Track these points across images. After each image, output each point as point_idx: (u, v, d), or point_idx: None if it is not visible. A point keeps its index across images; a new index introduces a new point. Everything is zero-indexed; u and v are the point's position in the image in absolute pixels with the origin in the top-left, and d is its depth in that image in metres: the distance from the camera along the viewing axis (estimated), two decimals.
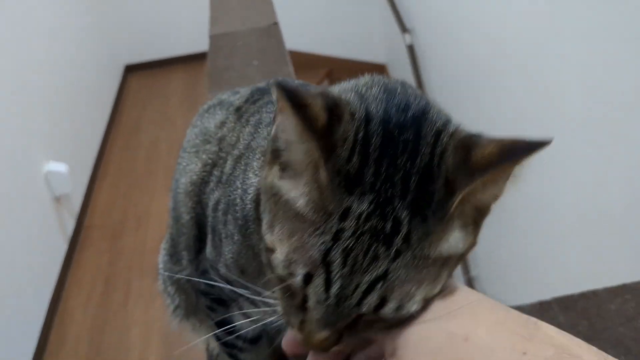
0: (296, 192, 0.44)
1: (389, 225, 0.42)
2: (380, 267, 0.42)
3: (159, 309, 3.01)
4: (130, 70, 5.30)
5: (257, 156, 0.66)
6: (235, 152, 0.71)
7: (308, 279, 0.44)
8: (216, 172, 0.74)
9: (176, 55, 5.29)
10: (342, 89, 0.49)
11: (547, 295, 0.93)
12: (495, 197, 0.45)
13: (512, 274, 2.39)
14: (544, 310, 0.90)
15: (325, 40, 4.48)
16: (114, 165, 4.23)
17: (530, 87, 2.07)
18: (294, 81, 0.80)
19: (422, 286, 0.43)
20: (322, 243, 0.42)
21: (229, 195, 0.67)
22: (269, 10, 2.06)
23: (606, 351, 0.83)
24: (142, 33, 5.14)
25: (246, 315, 0.75)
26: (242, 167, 0.67)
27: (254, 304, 0.69)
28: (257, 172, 0.63)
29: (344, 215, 0.42)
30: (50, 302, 3.04)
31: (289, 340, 0.52)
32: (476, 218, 0.46)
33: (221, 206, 0.69)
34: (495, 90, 2.43)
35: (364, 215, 0.42)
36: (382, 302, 0.43)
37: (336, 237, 0.42)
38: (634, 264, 1.48)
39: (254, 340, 0.81)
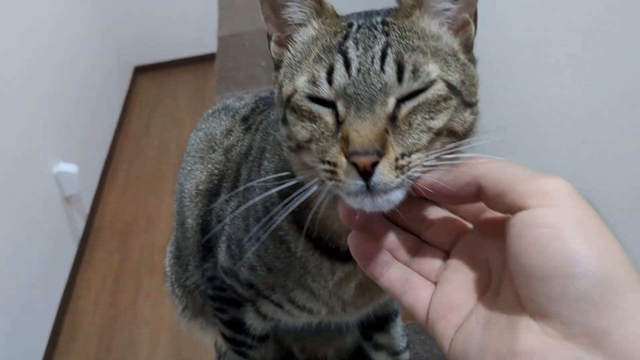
0: (310, 31, 0.57)
1: (372, 21, 0.53)
2: (381, 40, 0.50)
3: (168, 307, 3.03)
4: (140, 71, 5.35)
5: (267, 148, 0.67)
6: (250, 159, 0.73)
7: (330, 72, 0.50)
8: (226, 184, 0.75)
9: (185, 57, 5.32)
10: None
11: None
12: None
13: None
14: None
15: None
16: (123, 166, 4.27)
17: (539, 87, 2.08)
18: None
19: (429, 57, 0.50)
20: (333, 45, 0.52)
21: (249, 198, 0.68)
22: None
23: None
24: (151, 35, 5.18)
25: (261, 315, 0.76)
26: (256, 169, 0.68)
27: (277, 304, 0.70)
28: (269, 157, 0.65)
29: (350, 26, 0.54)
30: (61, 301, 3.07)
31: (344, 211, 0.51)
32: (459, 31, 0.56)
33: (240, 213, 0.70)
34: (503, 92, 2.44)
35: (360, 23, 0.54)
36: (400, 68, 0.48)
37: (344, 38, 0.52)
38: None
39: (263, 337, 0.82)
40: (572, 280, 0.37)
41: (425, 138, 0.48)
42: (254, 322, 0.78)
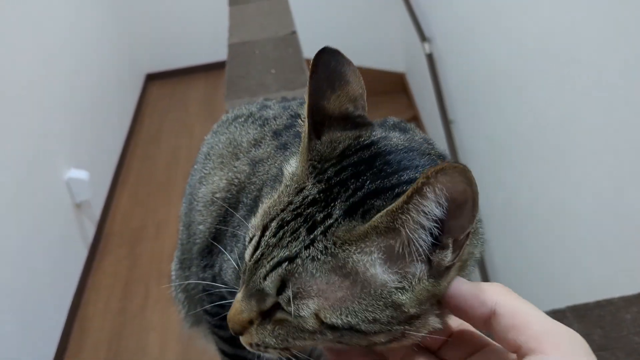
0: (292, 163, 0.53)
1: (321, 216, 0.46)
2: (294, 248, 0.46)
3: (176, 314, 3.04)
4: (151, 79, 5.37)
5: None
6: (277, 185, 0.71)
7: (251, 239, 0.50)
8: (245, 200, 0.73)
9: (196, 65, 5.34)
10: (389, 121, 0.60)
11: (562, 304, 0.92)
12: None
13: (526, 282, 2.37)
14: (557, 319, 0.90)
15: (344, 49, 4.44)
16: (133, 173, 4.28)
17: (550, 94, 2.07)
18: None
19: (320, 292, 0.45)
20: (275, 211, 0.49)
21: None
22: (288, 19, 2.07)
23: (620, 359, 0.82)
24: (162, 42, 5.21)
25: None
26: None
27: None
28: None
29: (298, 192, 0.48)
30: (71, 306, 3.08)
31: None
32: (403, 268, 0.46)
33: None
34: (515, 98, 2.43)
35: (309, 198, 0.47)
36: (282, 285, 0.46)
37: (283, 209, 0.48)
38: None
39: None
40: None
41: (284, 345, 0.49)
42: None
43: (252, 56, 1.87)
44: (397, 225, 0.42)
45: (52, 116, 3.19)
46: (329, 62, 0.52)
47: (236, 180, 0.76)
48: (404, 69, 4.59)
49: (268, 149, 0.76)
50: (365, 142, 0.50)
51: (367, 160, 0.48)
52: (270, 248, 0.47)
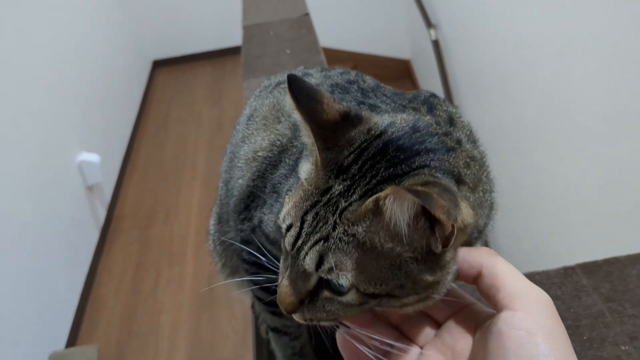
0: (304, 169, 0.58)
1: (343, 203, 0.53)
2: (324, 231, 0.53)
3: (187, 295, 3.11)
4: (158, 65, 5.42)
5: None
6: None
7: (289, 228, 0.56)
8: (288, 160, 0.78)
9: (202, 51, 5.39)
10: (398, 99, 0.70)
11: (572, 261, 0.98)
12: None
13: (537, 242, 2.43)
14: (567, 275, 0.96)
15: (351, 36, 4.54)
16: (143, 157, 4.34)
17: (557, 81, 2.11)
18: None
19: (354, 266, 0.52)
20: (305, 206, 0.55)
21: None
22: (300, 2, 2.12)
23: (627, 310, 0.88)
24: (170, 29, 5.25)
25: None
26: None
27: None
28: None
29: (326, 191, 0.54)
30: (83, 287, 3.14)
31: (340, 340, 0.59)
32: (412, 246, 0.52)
33: None
34: (522, 84, 2.47)
35: (336, 193, 0.54)
36: (320, 260, 0.53)
37: (315, 204, 0.54)
38: None
39: None
40: None
41: (334, 318, 0.57)
42: None
43: (267, 37, 1.92)
44: (383, 210, 0.49)
45: (63, 101, 3.24)
46: (300, 86, 0.58)
47: (278, 142, 0.80)
48: (410, 55, 4.63)
49: None
50: (376, 133, 0.56)
51: (381, 150, 0.55)
52: (308, 235, 0.54)
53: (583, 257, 0.99)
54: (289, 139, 0.79)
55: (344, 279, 0.52)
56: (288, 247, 0.56)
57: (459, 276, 0.55)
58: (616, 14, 1.68)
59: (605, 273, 0.95)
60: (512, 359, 0.47)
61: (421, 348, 0.57)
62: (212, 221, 1.01)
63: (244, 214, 0.83)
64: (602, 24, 1.75)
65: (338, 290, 0.54)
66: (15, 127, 2.64)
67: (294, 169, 0.75)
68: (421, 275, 0.52)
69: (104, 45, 4.20)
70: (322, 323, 0.58)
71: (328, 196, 0.54)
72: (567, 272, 0.96)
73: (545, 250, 2.32)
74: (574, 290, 0.93)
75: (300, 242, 0.54)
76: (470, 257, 0.54)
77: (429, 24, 3.55)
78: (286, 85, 0.81)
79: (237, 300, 3.01)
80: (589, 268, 0.96)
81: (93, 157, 3.36)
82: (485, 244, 0.65)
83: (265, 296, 0.86)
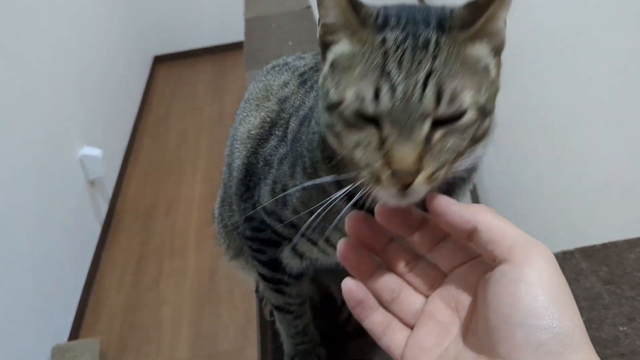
0: (344, 46, 0.57)
1: (420, 41, 0.53)
2: (426, 66, 0.52)
3: (189, 287, 3.14)
4: (159, 61, 5.43)
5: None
6: (301, 113, 0.78)
7: (377, 93, 0.53)
8: (277, 132, 0.80)
9: (203, 47, 5.40)
10: None
11: (571, 245, 1.00)
12: (501, 29, 0.57)
13: (537, 226, 2.44)
14: (566, 259, 0.98)
15: None
16: (144, 152, 4.35)
17: (556, 75, 2.12)
18: None
19: (468, 85, 0.53)
20: (377, 64, 0.53)
21: (297, 150, 0.74)
22: None
23: (625, 292, 0.90)
24: (171, 25, 5.26)
25: (298, 254, 0.82)
26: (307, 124, 0.74)
27: (313, 242, 0.77)
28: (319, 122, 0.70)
29: (383, 42, 0.54)
30: (86, 280, 3.16)
31: (380, 210, 0.57)
32: (496, 46, 0.57)
33: (288, 160, 0.76)
34: (523, 77, 2.48)
35: (399, 39, 0.54)
36: (439, 95, 0.52)
37: (385, 56, 0.53)
38: None
39: (298, 276, 0.89)
40: (535, 330, 0.45)
41: (453, 156, 0.55)
42: (290, 261, 0.85)
43: (269, 29, 1.94)
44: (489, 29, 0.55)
45: (65, 96, 3.26)
46: None
47: (268, 119, 0.83)
48: None
49: (293, 87, 0.84)
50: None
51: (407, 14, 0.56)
52: (408, 80, 0.52)
53: (582, 242, 1.00)
54: (277, 112, 0.82)
55: (465, 99, 0.52)
56: (386, 108, 0.53)
57: (455, 233, 0.54)
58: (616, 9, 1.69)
59: (603, 257, 0.97)
60: (509, 310, 0.47)
61: (426, 297, 0.58)
62: (216, 204, 1.03)
63: (246, 194, 0.85)
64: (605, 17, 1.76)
65: (458, 116, 0.53)
66: (17, 121, 2.65)
67: (283, 139, 0.78)
68: (497, 91, 0.57)
69: (106, 40, 4.22)
70: (441, 173, 0.55)
71: (392, 45, 0.53)
72: (566, 256, 0.98)
73: (545, 234, 2.32)
74: (573, 273, 0.95)
75: (401, 90, 0.52)
76: (467, 211, 0.52)
77: None
78: (279, 67, 0.84)
79: (238, 292, 3.04)
80: (588, 252, 0.98)
81: (95, 152, 3.37)
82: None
83: (269, 273, 0.89)
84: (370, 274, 0.59)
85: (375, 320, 0.59)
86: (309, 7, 2.03)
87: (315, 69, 0.84)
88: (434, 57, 0.52)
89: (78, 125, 3.39)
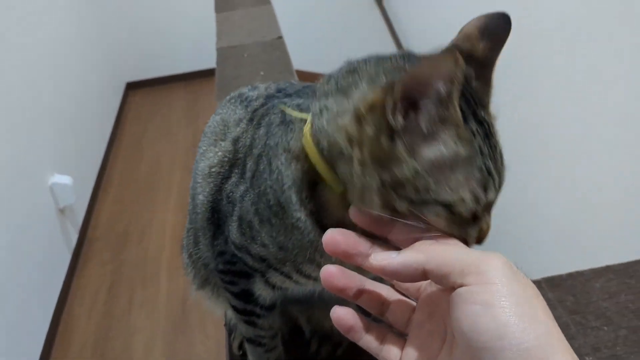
0: (448, 145, 0.53)
1: (485, 125, 0.56)
2: (499, 148, 0.57)
3: (162, 315, 3.10)
4: (132, 87, 5.42)
5: (279, 151, 0.73)
6: (255, 151, 0.78)
7: (486, 188, 0.55)
8: (237, 170, 0.81)
9: (177, 73, 5.41)
10: None
11: (538, 276, 1.01)
12: None
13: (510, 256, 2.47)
14: None
15: (325, 59, 4.57)
16: (116, 178, 4.31)
17: (533, 99, 2.17)
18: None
19: None
20: (478, 162, 0.54)
21: (259, 188, 0.73)
22: (274, 25, 2.16)
23: (590, 322, 0.92)
24: (144, 51, 5.27)
25: (270, 285, 0.82)
26: (266, 162, 0.74)
27: (286, 275, 0.77)
28: (283, 164, 0.71)
29: (473, 134, 0.54)
30: (55, 310, 3.10)
31: (354, 212, 0.59)
32: None
33: (248, 197, 0.76)
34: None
35: (473, 128, 0.54)
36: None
37: (479, 149, 0.54)
38: (618, 248, 1.59)
39: (270, 307, 0.88)
40: (501, 351, 0.44)
41: None
42: (262, 292, 0.84)
43: (241, 59, 1.95)
44: None
45: (36, 123, 3.22)
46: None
47: (226, 158, 0.83)
48: None
49: (243, 126, 0.85)
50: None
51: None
52: (499, 168, 0.56)
53: (548, 272, 1.02)
54: (233, 153, 0.82)
55: None
56: (491, 199, 0.56)
57: (408, 293, 0.57)
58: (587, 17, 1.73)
59: (569, 286, 0.98)
60: (470, 334, 0.45)
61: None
62: (184, 234, 1.03)
63: (217, 232, 0.85)
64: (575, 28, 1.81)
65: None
66: None
67: (242, 176, 0.78)
68: None
69: (77, 66, 4.20)
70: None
71: (477, 132, 0.54)
72: None
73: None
74: None
75: (497, 181, 0.56)
76: (410, 258, 0.52)
77: (399, 46, 3.61)
78: (234, 99, 0.85)
79: (210, 321, 3.01)
80: (554, 282, 0.99)
81: (65, 179, 3.34)
82: None
83: (240, 304, 0.88)
84: (359, 291, 0.59)
85: (369, 339, 0.58)
86: (280, 37, 2.05)
87: (267, 106, 0.83)
88: (496, 135, 0.57)
89: (48, 153, 3.35)
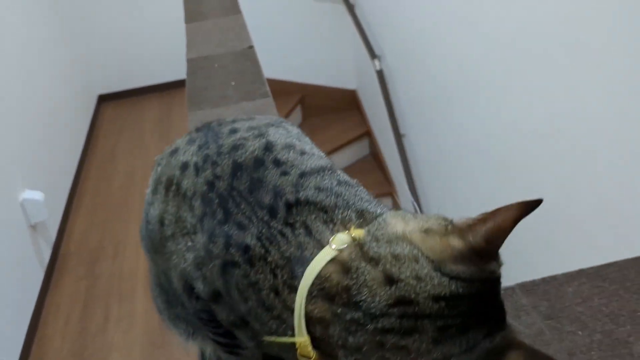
0: None
1: None
2: None
3: (139, 332, 3.04)
4: (104, 99, 5.36)
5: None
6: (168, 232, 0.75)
7: None
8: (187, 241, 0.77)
9: (149, 85, 5.36)
10: None
11: (512, 282, 1.01)
12: None
13: None
14: (508, 295, 0.98)
15: (297, 67, 4.59)
16: (89, 193, 4.26)
17: (496, 105, 2.18)
18: None
19: None
20: None
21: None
22: (244, 35, 2.14)
23: (565, 327, 0.91)
24: (115, 64, 5.21)
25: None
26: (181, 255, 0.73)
27: None
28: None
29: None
30: (28, 328, 3.04)
31: None
32: None
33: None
34: (462, 109, 2.55)
35: None
36: None
37: None
38: (589, 252, 1.60)
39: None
40: None
41: None
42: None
43: (212, 70, 1.93)
44: None
45: (6, 138, 3.17)
46: None
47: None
48: (356, 85, 4.71)
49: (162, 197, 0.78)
50: None
51: None
52: None
53: (522, 277, 1.02)
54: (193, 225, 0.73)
55: None
56: None
57: None
58: (556, 35, 1.75)
59: (543, 292, 0.98)
60: None
61: None
62: (157, 299, 0.97)
63: (192, 294, 0.81)
64: (543, 52, 1.83)
65: None
66: None
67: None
68: None
69: (48, 80, 4.14)
70: None
71: None
72: (507, 293, 0.99)
73: None
74: (514, 309, 0.96)
75: None
76: None
77: (373, 54, 3.62)
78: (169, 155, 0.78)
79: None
80: (528, 287, 0.99)
81: (37, 195, 3.29)
82: None
83: (223, 340, 0.85)
84: None
85: None
86: (251, 46, 2.03)
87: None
88: None
89: (18, 168, 3.30)
